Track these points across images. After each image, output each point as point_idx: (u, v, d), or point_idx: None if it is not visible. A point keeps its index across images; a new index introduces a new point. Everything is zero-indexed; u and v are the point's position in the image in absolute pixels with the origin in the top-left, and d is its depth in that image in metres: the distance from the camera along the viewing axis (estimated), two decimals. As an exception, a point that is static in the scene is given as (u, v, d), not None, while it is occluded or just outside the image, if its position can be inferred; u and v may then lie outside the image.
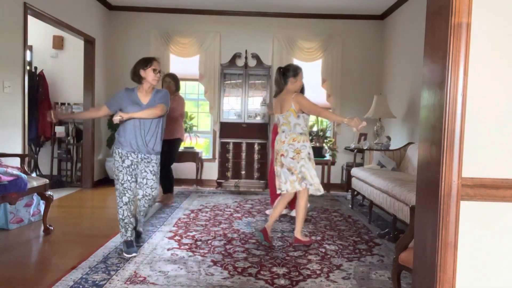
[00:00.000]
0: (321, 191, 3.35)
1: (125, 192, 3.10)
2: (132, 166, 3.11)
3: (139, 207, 3.27)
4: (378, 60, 6.53)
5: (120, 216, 3.13)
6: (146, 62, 3.12)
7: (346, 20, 6.45)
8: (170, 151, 4.74)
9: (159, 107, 3.10)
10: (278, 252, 3.21)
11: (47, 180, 3.76)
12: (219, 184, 6.19)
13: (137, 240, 3.31)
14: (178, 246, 3.29)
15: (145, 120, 3.07)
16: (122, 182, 3.09)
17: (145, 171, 3.14)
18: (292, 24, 6.43)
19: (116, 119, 2.96)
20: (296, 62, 6.39)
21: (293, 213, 4.55)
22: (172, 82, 4.86)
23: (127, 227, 3.13)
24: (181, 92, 6.77)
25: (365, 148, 5.45)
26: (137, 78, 3.15)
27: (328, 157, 5.87)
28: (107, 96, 6.31)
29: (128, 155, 3.09)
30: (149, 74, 3.08)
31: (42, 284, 2.52)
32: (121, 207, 3.12)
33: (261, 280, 2.65)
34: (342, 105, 6.49)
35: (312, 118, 6.24)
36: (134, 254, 3.03)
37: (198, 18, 6.41)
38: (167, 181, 4.83)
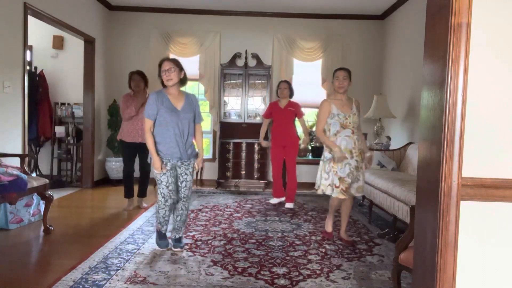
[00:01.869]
0: (326, 192, 3.40)
1: (171, 194, 3.12)
2: (172, 170, 3.13)
3: (177, 212, 3.25)
4: (378, 60, 6.53)
5: (161, 215, 3.17)
6: (159, 65, 3.14)
7: (346, 20, 6.45)
8: (147, 155, 4.54)
9: (201, 128, 3.28)
10: (278, 252, 3.21)
11: (47, 180, 3.75)
12: (219, 184, 6.19)
13: (177, 245, 3.24)
14: (178, 246, 3.29)
15: (183, 128, 3.09)
16: (167, 184, 3.09)
17: (185, 174, 3.17)
18: (292, 24, 6.43)
19: (196, 168, 3.23)
20: (296, 62, 6.40)
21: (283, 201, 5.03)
22: (141, 80, 4.49)
23: (166, 222, 3.23)
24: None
25: (365, 148, 5.45)
26: (161, 82, 3.16)
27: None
28: (107, 96, 6.31)
29: (170, 159, 3.09)
30: (163, 77, 3.09)
31: (42, 284, 2.52)
32: (163, 208, 3.15)
33: (261, 280, 2.65)
34: (342, 105, 6.49)
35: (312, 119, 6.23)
36: (164, 249, 3.18)
37: (198, 18, 6.41)
38: (143, 186, 4.72)
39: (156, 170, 3.07)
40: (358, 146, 3.37)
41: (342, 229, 3.59)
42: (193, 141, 3.22)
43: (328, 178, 3.35)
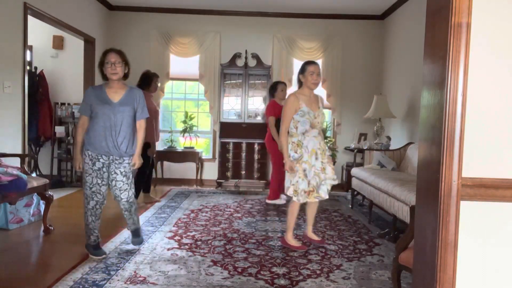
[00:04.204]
0: (287, 193, 3.26)
1: (93, 196, 2.94)
2: (103, 169, 2.94)
3: (120, 207, 3.16)
4: (378, 60, 6.53)
5: (85, 221, 2.99)
6: (102, 56, 2.93)
7: (346, 20, 6.45)
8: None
9: (143, 126, 3.06)
10: (278, 252, 3.21)
11: (47, 180, 3.75)
12: (219, 184, 6.20)
13: (136, 240, 3.25)
14: (178, 246, 3.29)
15: (116, 121, 2.89)
16: (91, 186, 2.92)
17: (115, 172, 2.97)
18: (292, 24, 6.43)
19: (134, 167, 3.04)
20: (296, 62, 6.40)
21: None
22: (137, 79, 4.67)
23: (91, 232, 2.99)
24: (181, 92, 6.82)
25: (365, 148, 5.45)
26: (102, 75, 2.98)
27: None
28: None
29: (99, 157, 2.92)
30: (106, 70, 2.90)
31: (42, 284, 2.52)
32: (86, 212, 2.97)
33: (261, 280, 2.65)
34: (342, 105, 6.50)
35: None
36: (103, 256, 2.95)
37: (198, 18, 6.41)
38: (137, 185, 4.77)
39: (76, 168, 2.97)
40: (322, 147, 3.24)
41: (309, 229, 3.47)
42: (133, 140, 3.02)
43: (293, 178, 3.17)
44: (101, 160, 2.93)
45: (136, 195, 4.73)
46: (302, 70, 3.28)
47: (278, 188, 4.99)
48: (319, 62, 6.40)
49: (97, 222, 3.03)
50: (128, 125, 2.97)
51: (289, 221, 3.35)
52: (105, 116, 2.88)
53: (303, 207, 3.42)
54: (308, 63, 3.29)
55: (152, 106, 4.61)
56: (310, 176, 3.17)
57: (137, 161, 3.06)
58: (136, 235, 3.26)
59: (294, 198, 3.20)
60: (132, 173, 3.09)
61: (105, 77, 2.98)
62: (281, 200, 5.06)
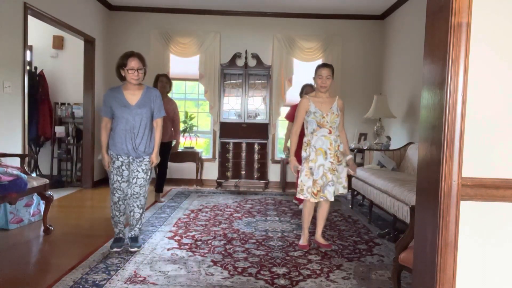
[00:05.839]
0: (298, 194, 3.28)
1: (115, 192, 3.12)
2: (123, 167, 3.09)
3: (129, 208, 3.20)
4: (378, 60, 6.53)
5: (111, 215, 3.21)
6: (123, 59, 2.97)
7: (346, 20, 6.45)
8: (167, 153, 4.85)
9: (159, 124, 3.15)
10: (278, 252, 3.21)
11: (47, 180, 3.75)
12: (219, 184, 6.20)
13: (134, 244, 3.17)
14: (178, 246, 3.29)
15: (134, 123, 3.01)
16: (113, 182, 3.12)
17: (137, 170, 3.11)
18: (292, 24, 6.43)
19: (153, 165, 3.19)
20: (296, 62, 6.40)
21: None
22: (168, 83, 4.82)
23: (116, 225, 3.22)
24: (181, 92, 6.82)
25: (365, 148, 5.45)
26: (120, 76, 3.03)
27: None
28: (107, 96, 6.31)
29: (118, 157, 3.07)
30: (127, 75, 2.97)
31: (42, 284, 2.52)
32: (111, 206, 3.18)
33: (261, 280, 2.65)
34: (342, 105, 6.49)
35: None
36: (116, 249, 3.09)
37: (198, 18, 6.41)
38: (160, 181, 5.00)
39: (105, 167, 3.15)
40: (335, 148, 3.20)
41: (318, 233, 3.41)
42: (150, 140, 3.13)
43: (299, 176, 3.24)
44: (120, 159, 3.07)
45: (161, 190, 4.98)
46: (315, 73, 3.32)
47: None
48: (319, 62, 6.40)
49: (122, 218, 3.20)
50: (146, 127, 3.08)
51: (302, 223, 3.39)
52: (123, 119, 3.00)
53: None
54: (319, 66, 3.31)
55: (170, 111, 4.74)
56: (317, 175, 3.16)
57: (155, 159, 3.18)
58: (135, 240, 3.23)
59: (302, 196, 3.23)
60: (150, 171, 3.22)
61: (122, 78, 3.05)
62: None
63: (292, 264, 2.96)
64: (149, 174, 3.18)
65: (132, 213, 3.21)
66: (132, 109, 3.00)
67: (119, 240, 3.20)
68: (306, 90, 4.73)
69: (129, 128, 3.01)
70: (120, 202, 3.15)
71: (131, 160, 3.09)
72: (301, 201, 4.85)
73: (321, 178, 3.17)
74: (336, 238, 3.63)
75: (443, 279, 1.31)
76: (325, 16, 6.40)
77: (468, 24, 1.26)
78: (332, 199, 3.23)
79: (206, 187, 6.24)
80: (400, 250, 2.12)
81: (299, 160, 3.40)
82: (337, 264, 2.97)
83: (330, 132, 3.21)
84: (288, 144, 5.15)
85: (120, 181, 3.11)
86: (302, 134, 3.36)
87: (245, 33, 6.43)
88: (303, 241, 3.36)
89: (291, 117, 4.76)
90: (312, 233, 3.58)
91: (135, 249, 3.13)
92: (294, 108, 4.74)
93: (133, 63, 2.94)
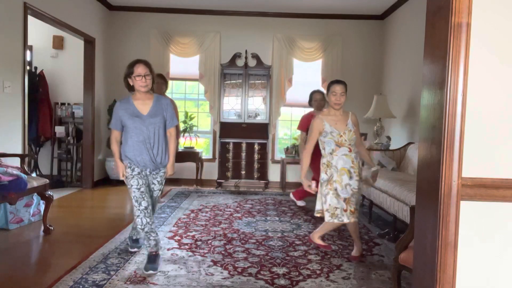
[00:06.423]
0: (325, 218, 3.07)
1: (144, 196, 2.83)
2: (142, 173, 2.90)
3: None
4: (378, 60, 6.53)
5: (139, 226, 2.82)
6: (129, 67, 2.84)
7: (346, 20, 6.45)
8: None
9: (173, 134, 3.00)
10: (278, 252, 3.21)
11: (47, 180, 3.75)
12: (219, 184, 6.20)
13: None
14: (178, 246, 3.29)
15: (149, 133, 2.85)
16: (138, 187, 2.83)
17: (153, 183, 2.99)
18: (292, 24, 6.43)
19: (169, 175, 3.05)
20: (296, 62, 6.40)
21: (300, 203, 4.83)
22: (163, 83, 4.63)
23: (149, 236, 2.85)
24: (181, 92, 6.82)
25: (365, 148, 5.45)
26: (128, 86, 2.91)
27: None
28: (107, 96, 6.31)
29: (134, 167, 2.88)
30: (135, 82, 2.83)
31: (42, 284, 2.52)
32: (138, 215, 2.82)
33: (261, 280, 2.65)
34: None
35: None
36: (151, 272, 2.72)
37: (198, 18, 6.41)
38: None
39: (120, 177, 2.92)
40: (358, 165, 3.09)
41: (355, 249, 3.20)
42: (166, 151, 2.98)
43: (325, 201, 3.06)
44: (136, 169, 2.88)
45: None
46: (327, 90, 3.22)
47: (308, 194, 4.66)
48: (319, 62, 6.41)
49: (153, 225, 2.88)
50: (161, 136, 2.93)
51: (324, 227, 3.21)
52: (137, 130, 2.84)
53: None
54: (332, 82, 3.20)
55: None
56: (345, 194, 3.02)
57: (170, 170, 3.05)
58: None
59: (336, 220, 3.03)
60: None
61: (131, 89, 2.92)
62: (301, 202, 4.85)
63: (292, 264, 2.96)
64: (163, 183, 3.06)
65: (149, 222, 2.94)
66: (144, 118, 2.85)
67: (155, 260, 2.83)
68: (315, 97, 4.62)
69: (144, 139, 2.84)
70: (149, 208, 2.86)
71: (147, 172, 2.92)
72: (298, 197, 4.83)
73: (353, 196, 3.04)
74: (336, 238, 3.63)
75: (443, 279, 1.31)
76: (325, 16, 6.40)
77: (468, 24, 1.26)
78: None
79: (206, 187, 6.24)
80: (400, 250, 2.12)
81: (318, 172, 3.25)
82: (337, 264, 2.97)
83: (350, 150, 3.07)
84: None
85: (145, 185, 2.89)
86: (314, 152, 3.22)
87: (245, 33, 6.43)
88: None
89: (303, 127, 4.58)
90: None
91: (135, 249, 3.11)
92: (305, 119, 4.64)
93: (139, 69, 2.81)
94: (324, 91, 4.42)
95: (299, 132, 4.84)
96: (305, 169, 3.15)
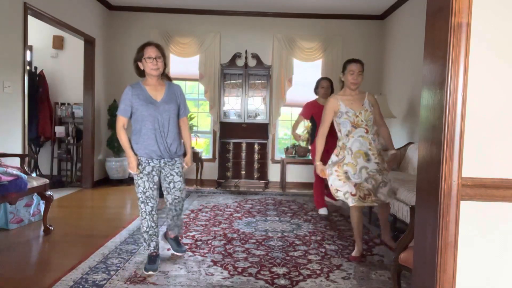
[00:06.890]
0: (342, 199, 3.03)
1: (148, 201, 2.78)
2: (153, 173, 2.78)
3: (171, 213, 2.98)
4: (378, 60, 6.53)
5: (144, 228, 2.82)
6: (139, 50, 2.70)
7: (346, 20, 6.45)
8: None
9: (186, 123, 2.93)
10: (278, 252, 3.21)
11: (47, 180, 3.75)
12: (219, 184, 6.20)
13: (179, 249, 3.08)
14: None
15: (163, 121, 2.72)
16: (144, 190, 2.76)
17: (171, 174, 2.85)
18: (292, 24, 6.43)
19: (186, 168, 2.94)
20: (296, 62, 6.40)
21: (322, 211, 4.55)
22: (165, 78, 4.65)
23: (152, 239, 2.84)
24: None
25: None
26: (138, 71, 2.76)
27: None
28: (107, 96, 6.31)
29: (149, 161, 2.75)
30: (146, 65, 2.67)
31: (42, 284, 2.52)
32: (144, 217, 2.80)
33: (261, 280, 2.65)
34: (342, 105, 6.49)
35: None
36: (151, 273, 2.69)
37: (198, 18, 6.41)
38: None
39: (131, 171, 2.75)
40: (376, 147, 2.96)
41: (382, 234, 3.32)
42: (180, 141, 2.89)
43: (330, 183, 3.02)
44: (151, 164, 2.76)
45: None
46: (343, 69, 3.10)
47: (321, 196, 4.61)
48: (319, 62, 6.41)
49: (157, 229, 2.88)
50: (174, 124, 2.80)
51: (354, 232, 3.15)
52: (151, 118, 2.69)
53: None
54: (349, 61, 3.09)
55: None
56: (357, 178, 2.94)
57: (189, 162, 2.97)
58: (178, 242, 3.09)
59: (343, 199, 3.00)
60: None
61: (141, 74, 2.77)
62: (322, 211, 4.59)
63: (292, 264, 2.96)
64: (183, 176, 2.92)
65: (176, 217, 3.00)
66: (158, 105, 2.70)
67: (155, 260, 2.80)
68: (322, 84, 4.49)
69: (158, 127, 2.70)
70: (154, 212, 2.82)
71: (162, 164, 2.80)
72: (319, 204, 4.57)
73: (367, 181, 2.93)
74: (336, 238, 3.63)
75: (443, 279, 1.31)
76: (325, 16, 6.40)
77: (468, 24, 1.26)
78: (388, 200, 3.03)
79: (206, 187, 6.24)
80: (400, 250, 2.12)
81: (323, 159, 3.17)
82: (337, 264, 2.97)
83: (367, 132, 2.96)
84: (298, 132, 4.93)
85: (153, 189, 2.78)
86: (329, 136, 3.14)
87: (245, 33, 6.43)
88: (355, 252, 3.10)
89: (306, 114, 4.54)
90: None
91: (180, 254, 3.07)
92: (309, 105, 4.56)
93: (150, 51, 2.67)
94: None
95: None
96: (319, 152, 3.05)
